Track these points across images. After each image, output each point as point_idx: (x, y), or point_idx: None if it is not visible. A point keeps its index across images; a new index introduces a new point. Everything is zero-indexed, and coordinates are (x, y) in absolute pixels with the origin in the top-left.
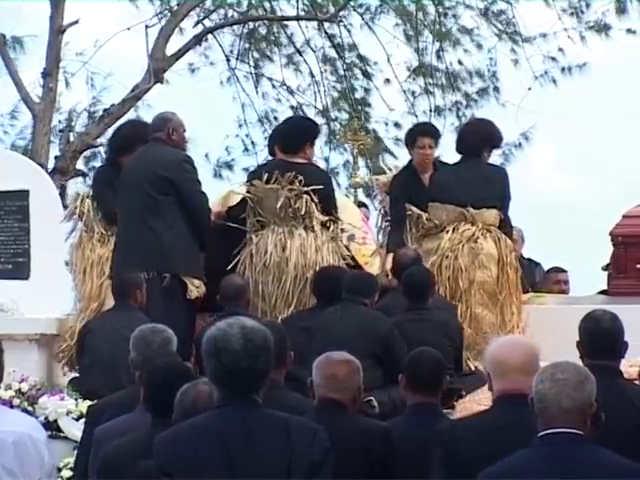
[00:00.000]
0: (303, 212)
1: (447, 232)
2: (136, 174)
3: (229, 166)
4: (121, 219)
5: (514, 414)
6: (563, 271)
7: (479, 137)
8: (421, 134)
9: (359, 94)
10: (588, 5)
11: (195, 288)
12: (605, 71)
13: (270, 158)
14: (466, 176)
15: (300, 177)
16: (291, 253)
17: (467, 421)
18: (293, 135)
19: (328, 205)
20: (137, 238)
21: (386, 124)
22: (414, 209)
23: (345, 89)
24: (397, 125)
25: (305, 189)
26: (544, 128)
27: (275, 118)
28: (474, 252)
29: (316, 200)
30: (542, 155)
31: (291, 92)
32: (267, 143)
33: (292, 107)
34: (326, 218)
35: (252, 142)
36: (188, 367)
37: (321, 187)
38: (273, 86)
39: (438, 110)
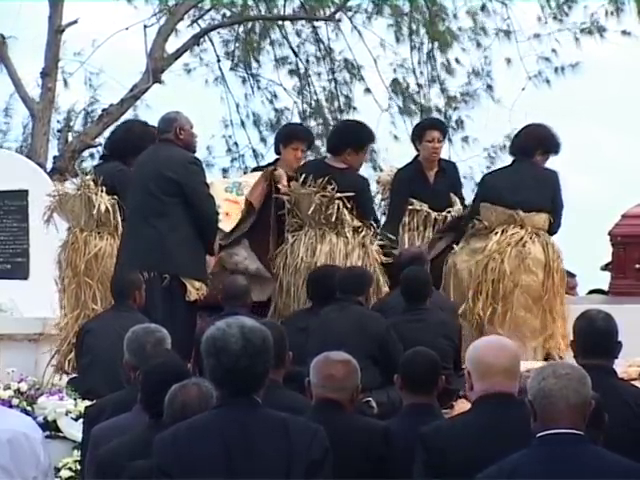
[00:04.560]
0: (334, 219)
1: (496, 234)
2: (143, 174)
3: (209, 165)
4: (127, 219)
5: (497, 414)
6: (573, 276)
7: (531, 139)
8: (430, 127)
9: (345, 99)
10: (570, 7)
11: (195, 290)
12: (610, 70)
13: (276, 157)
14: (516, 179)
15: (332, 183)
16: (319, 258)
17: (449, 422)
18: (334, 138)
19: (364, 212)
20: (141, 238)
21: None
22: (423, 206)
23: (331, 93)
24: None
25: (338, 195)
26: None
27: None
28: (521, 256)
29: (349, 206)
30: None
31: (275, 96)
32: (274, 141)
33: (276, 110)
34: (359, 224)
35: (235, 143)
36: (185, 366)
37: (351, 194)
38: (259, 87)
39: (427, 111)
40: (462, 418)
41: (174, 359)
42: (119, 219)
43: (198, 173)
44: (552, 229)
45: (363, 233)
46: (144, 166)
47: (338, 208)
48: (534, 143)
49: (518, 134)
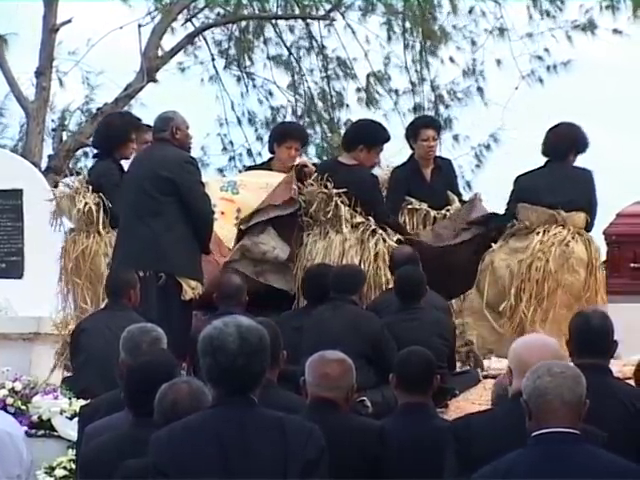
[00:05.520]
0: (329, 216)
1: (538, 233)
2: (139, 174)
3: (204, 165)
4: (122, 218)
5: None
6: None
7: (566, 141)
8: (424, 126)
9: (337, 95)
10: (563, 2)
11: (190, 289)
12: (604, 69)
13: (270, 156)
14: (554, 179)
15: (331, 180)
16: (317, 255)
17: (482, 416)
18: (348, 134)
19: (370, 209)
20: (136, 237)
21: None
22: (422, 205)
23: (323, 90)
24: None
25: (335, 192)
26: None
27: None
28: (565, 256)
29: (348, 203)
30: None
31: (271, 94)
32: (268, 140)
33: (272, 108)
34: (360, 220)
35: (230, 142)
36: (172, 365)
37: (344, 190)
38: (254, 86)
39: (419, 109)
40: (492, 412)
41: (160, 357)
42: (102, 217)
43: (194, 172)
44: (588, 228)
45: (361, 229)
46: (139, 165)
47: (336, 205)
48: (568, 145)
49: (549, 134)
